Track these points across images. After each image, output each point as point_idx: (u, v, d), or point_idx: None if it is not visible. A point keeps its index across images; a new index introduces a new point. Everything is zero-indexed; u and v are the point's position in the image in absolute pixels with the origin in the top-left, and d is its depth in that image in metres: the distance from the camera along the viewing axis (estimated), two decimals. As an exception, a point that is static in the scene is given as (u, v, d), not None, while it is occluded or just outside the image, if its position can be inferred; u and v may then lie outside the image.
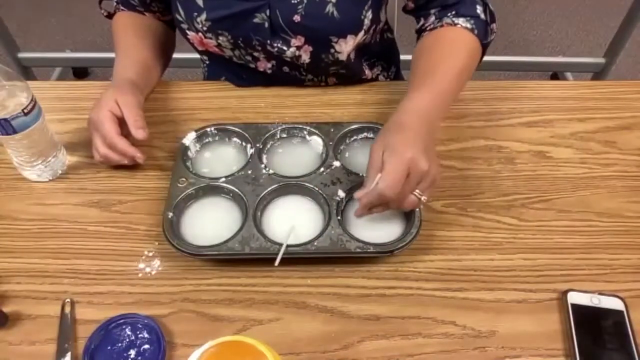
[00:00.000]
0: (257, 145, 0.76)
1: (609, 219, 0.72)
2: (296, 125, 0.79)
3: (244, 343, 0.46)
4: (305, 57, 0.85)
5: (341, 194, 0.70)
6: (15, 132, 0.69)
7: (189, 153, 0.77)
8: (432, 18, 0.81)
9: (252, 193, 0.70)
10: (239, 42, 0.83)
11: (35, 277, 0.66)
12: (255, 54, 0.86)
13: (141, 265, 0.67)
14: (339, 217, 0.67)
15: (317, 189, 0.70)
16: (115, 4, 0.94)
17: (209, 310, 0.63)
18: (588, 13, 2.44)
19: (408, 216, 0.69)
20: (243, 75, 0.92)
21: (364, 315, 0.62)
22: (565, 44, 2.31)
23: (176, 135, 0.81)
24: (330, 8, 0.78)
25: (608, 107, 0.87)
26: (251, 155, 0.75)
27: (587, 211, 0.73)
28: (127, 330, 0.60)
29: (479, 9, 0.79)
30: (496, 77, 2.06)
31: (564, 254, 0.68)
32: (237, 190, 0.70)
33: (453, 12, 0.79)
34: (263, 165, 0.74)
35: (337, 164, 0.73)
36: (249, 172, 0.73)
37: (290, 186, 0.72)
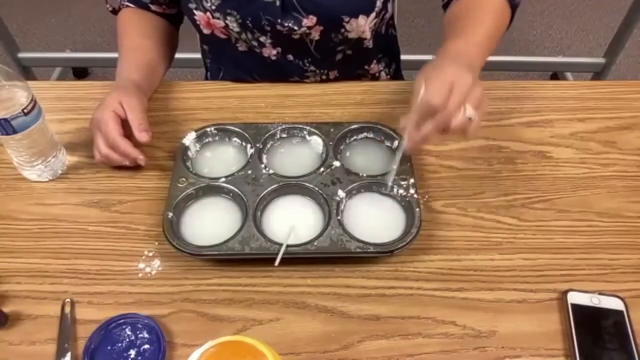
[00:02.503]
0: (257, 145, 0.76)
1: (609, 219, 0.72)
2: (296, 125, 0.79)
3: (244, 343, 0.47)
4: (316, 36, 0.85)
5: (341, 194, 0.70)
6: (15, 132, 0.69)
7: (189, 153, 0.77)
8: None
9: (252, 193, 0.70)
10: (248, 22, 0.83)
11: (35, 277, 0.66)
12: (262, 38, 0.86)
13: (141, 265, 0.67)
14: (339, 217, 0.67)
15: (317, 189, 0.70)
16: None
17: (209, 310, 0.63)
18: (588, 13, 2.44)
19: (408, 216, 0.69)
20: (246, 64, 0.92)
21: (364, 315, 0.62)
22: (565, 44, 2.31)
23: (176, 135, 0.81)
24: None
25: (608, 107, 0.87)
26: (251, 155, 0.75)
27: (587, 211, 0.73)
28: (127, 330, 0.60)
29: None
30: (496, 77, 2.06)
31: (564, 254, 0.68)
32: (237, 190, 0.70)
33: None
34: (263, 165, 0.74)
35: (337, 164, 0.73)
36: (249, 172, 0.73)
37: (290, 186, 0.72)
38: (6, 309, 0.62)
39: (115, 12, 0.94)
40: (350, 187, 0.71)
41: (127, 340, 0.59)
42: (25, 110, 0.68)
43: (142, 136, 0.74)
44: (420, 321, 0.62)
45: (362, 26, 0.85)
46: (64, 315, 0.62)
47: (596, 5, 2.47)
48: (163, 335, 0.59)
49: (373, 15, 0.85)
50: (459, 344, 0.60)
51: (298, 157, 0.77)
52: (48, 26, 2.43)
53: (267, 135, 0.77)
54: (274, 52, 0.89)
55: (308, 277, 0.66)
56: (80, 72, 2.18)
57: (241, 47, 0.89)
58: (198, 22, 0.86)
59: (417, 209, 0.68)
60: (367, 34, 0.88)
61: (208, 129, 0.79)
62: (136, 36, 0.89)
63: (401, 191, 0.70)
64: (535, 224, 0.71)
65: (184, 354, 0.59)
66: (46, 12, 2.48)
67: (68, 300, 0.63)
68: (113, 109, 0.74)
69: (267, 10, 0.81)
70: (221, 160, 0.77)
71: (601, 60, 1.88)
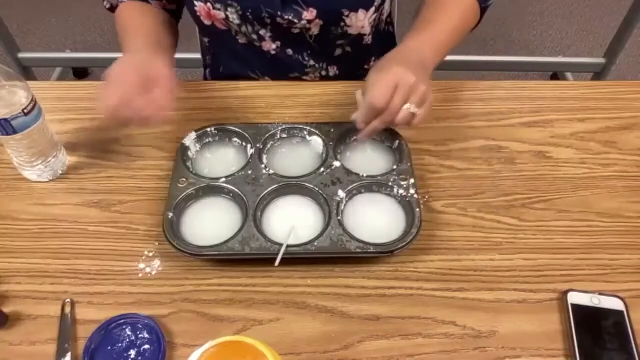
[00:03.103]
0: (257, 145, 0.76)
1: (609, 219, 0.72)
2: (296, 125, 0.79)
3: (244, 343, 0.47)
4: (315, 30, 0.86)
5: (341, 193, 0.70)
6: (15, 132, 0.69)
7: (189, 153, 0.77)
8: None
9: (252, 193, 0.70)
10: (248, 14, 0.83)
11: (35, 277, 0.66)
12: (262, 31, 0.86)
13: (141, 265, 0.67)
14: (339, 217, 0.67)
15: (317, 189, 0.70)
16: None
17: (209, 310, 0.63)
18: (588, 13, 2.44)
19: (408, 216, 0.69)
20: (246, 58, 0.92)
21: (364, 315, 0.62)
22: (565, 44, 2.31)
23: (176, 135, 0.81)
24: None
25: (608, 107, 0.87)
26: (251, 155, 0.75)
27: (587, 211, 0.73)
28: (127, 330, 0.60)
29: None
30: (496, 77, 2.06)
31: (564, 254, 0.68)
32: (237, 190, 0.70)
33: None
34: (263, 165, 0.74)
35: (337, 164, 0.73)
36: (249, 172, 0.73)
37: (290, 186, 0.72)
38: (6, 309, 0.62)
39: (112, 9, 0.92)
40: (350, 187, 0.71)
41: (127, 340, 0.59)
42: (25, 110, 0.68)
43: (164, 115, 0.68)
44: (420, 321, 0.62)
45: (361, 21, 0.86)
46: (64, 315, 0.62)
47: (596, 5, 2.47)
48: (163, 335, 0.59)
49: (372, 9, 0.86)
50: (459, 344, 0.60)
51: (298, 157, 0.77)
52: (48, 26, 2.43)
53: (267, 135, 0.77)
54: (274, 45, 0.89)
55: (308, 277, 0.66)
56: (80, 72, 2.18)
57: (241, 39, 0.89)
58: (198, 13, 0.86)
59: (417, 209, 0.68)
60: (367, 29, 0.88)
61: (208, 129, 0.79)
62: (139, 21, 0.86)
63: (401, 191, 0.70)
64: (535, 224, 0.71)
65: (184, 354, 0.59)
66: (46, 12, 2.48)
67: (68, 300, 0.63)
68: (140, 66, 0.68)
69: (267, 2, 0.81)
70: (221, 160, 0.77)
71: (601, 60, 1.88)
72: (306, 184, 0.71)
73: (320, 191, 0.70)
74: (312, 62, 0.92)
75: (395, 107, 0.66)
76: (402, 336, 0.60)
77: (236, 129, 0.78)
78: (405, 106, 0.66)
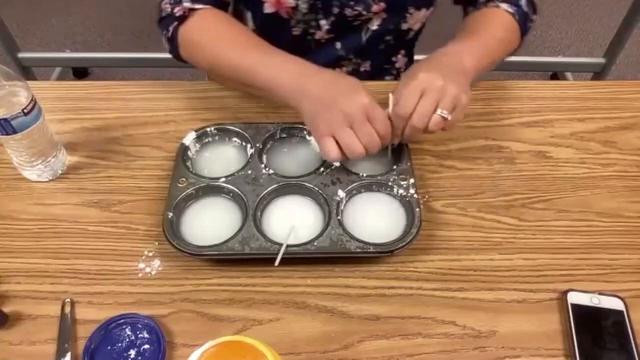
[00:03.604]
0: (257, 145, 0.76)
1: (609, 219, 0.72)
2: (296, 125, 0.79)
3: (244, 343, 0.46)
4: (375, 24, 0.87)
5: (341, 194, 0.70)
6: (15, 132, 0.69)
7: (189, 153, 0.77)
8: (480, 6, 0.86)
9: (252, 193, 0.70)
10: (318, 2, 0.82)
11: (35, 277, 0.66)
12: (322, 21, 0.86)
13: (141, 265, 0.67)
14: (339, 217, 0.67)
15: (317, 189, 0.70)
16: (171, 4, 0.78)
17: (209, 310, 0.63)
18: (588, 13, 2.44)
19: (408, 216, 0.69)
20: (288, 48, 0.89)
21: (364, 315, 0.62)
22: (565, 44, 2.31)
23: (176, 135, 0.81)
24: None
25: (608, 107, 0.87)
26: (251, 155, 0.75)
27: (587, 211, 0.73)
28: (127, 330, 0.60)
29: (523, 1, 0.84)
30: (496, 77, 2.06)
31: (564, 254, 0.68)
32: (237, 190, 0.70)
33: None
34: (263, 165, 0.74)
35: (337, 163, 0.73)
36: (249, 172, 0.73)
37: (290, 186, 0.72)
38: (6, 309, 0.62)
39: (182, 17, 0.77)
40: (350, 187, 0.71)
41: (127, 340, 0.59)
42: (25, 110, 0.68)
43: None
44: (420, 321, 0.62)
45: (420, 18, 0.88)
46: (64, 315, 0.62)
47: (596, 5, 2.47)
48: (163, 335, 0.59)
49: (432, 8, 0.88)
50: (459, 344, 0.60)
51: (298, 157, 0.77)
52: (48, 26, 2.43)
53: (267, 135, 0.77)
54: (326, 36, 0.88)
55: (308, 277, 0.66)
56: (80, 72, 2.18)
57: (296, 30, 0.87)
58: (264, 0, 0.82)
59: (417, 209, 0.68)
60: (417, 26, 0.91)
61: (208, 129, 0.79)
62: (245, 35, 0.77)
63: (401, 191, 0.70)
64: (535, 224, 0.71)
65: (184, 354, 0.59)
66: (46, 12, 2.48)
67: (68, 300, 0.63)
68: (367, 92, 0.65)
69: None
70: (221, 160, 0.77)
71: (601, 60, 1.88)
72: (306, 184, 0.71)
73: (320, 191, 0.70)
74: (351, 56, 0.93)
75: (422, 113, 0.65)
76: (402, 336, 0.60)
77: (236, 129, 0.78)
78: (438, 111, 0.65)
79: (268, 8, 0.84)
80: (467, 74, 0.71)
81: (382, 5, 0.84)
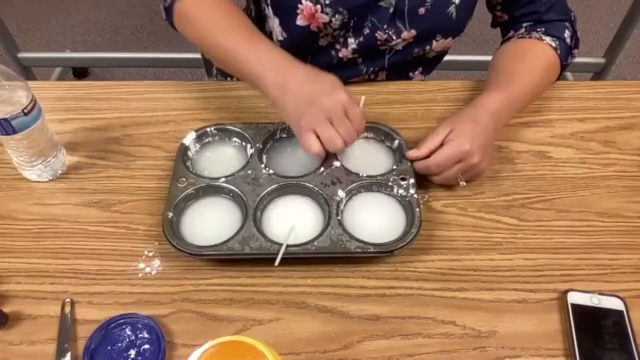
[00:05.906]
0: (257, 145, 0.76)
1: (609, 219, 0.72)
2: (296, 125, 0.79)
3: (244, 343, 0.47)
4: (399, 46, 0.87)
5: (341, 194, 0.70)
6: (15, 132, 0.69)
7: (189, 153, 0.77)
8: (522, 30, 0.86)
9: (252, 193, 0.70)
10: (352, 22, 0.82)
11: (35, 277, 0.66)
12: (350, 39, 0.86)
13: (141, 265, 0.67)
14: (339, 217, 0.67)
15: (317, 189, 0.70)
16: None
17: (209, 310, 0.63)
18: (588, 13, 2.44)
19: (408, 216, 0.69)
20: (309, 60, 0.88)
21: (364, 315, 0.62)
22: (565, 44, 2.31)
23: (176, 135, 0.81)
24: (452, 9, 0.82)
25: (608, 107, 0.88)
26: (251, 155, 0.75)
27: (587, 211, 0.73)
28: (127, 330, 0.60)
29: (567, 34, 0.84)
30: (496, 77, 2.05)
31: (564, 254, 0.68)
32: (237, 190, 0.70)
33: (543, 30, 0.84)
34: (263, 165, 0.74)
35: (337, 164, 0.73)
36: (249, 172, 0.73)
37: (290, 186, 0.72)
38: (6, 309, 0.62)
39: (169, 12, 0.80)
40: (350, 187, 0.71)
41: (127, 340, 0.59)
42: (25, 110, 0.68)
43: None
44: (420, 321, 0.62)
45: (445, 45, 0.89)
46: (64, 315, 0.62)
47: (596, 5, 2.46)
48: (163, 335, 0.59)
49: (457, 38, 0.88)
50: (459, 344, 0.60)
51: (298, 157, 0.77)
52: (48, 26, 2.42)
53: (267, 135, 0.77)
54: (350, 56, 0.88)
55: (308, 277, 0.66)
56: (80, 72, 2.18)
57: (322, 43, 0.87)
58: (298, 11, 0.81)
59: (417, 209, 0.68)
60: (440, 49, 0.91)
61: (208, 129, 0.79)
62: (237, 18, 0.76)
63: (401, 191, 0.70)
64: (535, 224, 0.71)
65: (184, 354, 0.59)
66: (46, 12, 2.48)
67: (68, 300, 0.63)
68: (345, 90, 0.66)
69: (377, 14, 0.82)
70: (221, 160, 0.77)
71: (601, 60, 1.88)
72: (306, 184, 0.71)
73: (320, 191, 0.70)
74: (370, 69, 0.92)
75: (448, 176, 0.71)
76: (402, 336, 0.60)
77: (236, 129, 0.78)
78: (459, 178, 0.72)
79: (300, 20, 0.83)
80: (499, 130, 0.76)
81: (413, 32, 0.84)
